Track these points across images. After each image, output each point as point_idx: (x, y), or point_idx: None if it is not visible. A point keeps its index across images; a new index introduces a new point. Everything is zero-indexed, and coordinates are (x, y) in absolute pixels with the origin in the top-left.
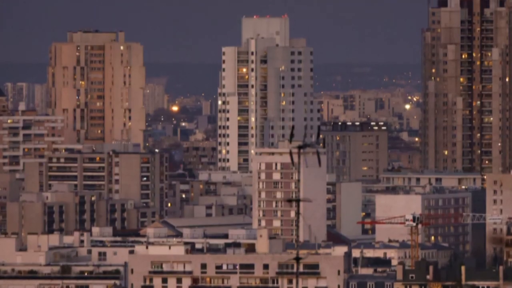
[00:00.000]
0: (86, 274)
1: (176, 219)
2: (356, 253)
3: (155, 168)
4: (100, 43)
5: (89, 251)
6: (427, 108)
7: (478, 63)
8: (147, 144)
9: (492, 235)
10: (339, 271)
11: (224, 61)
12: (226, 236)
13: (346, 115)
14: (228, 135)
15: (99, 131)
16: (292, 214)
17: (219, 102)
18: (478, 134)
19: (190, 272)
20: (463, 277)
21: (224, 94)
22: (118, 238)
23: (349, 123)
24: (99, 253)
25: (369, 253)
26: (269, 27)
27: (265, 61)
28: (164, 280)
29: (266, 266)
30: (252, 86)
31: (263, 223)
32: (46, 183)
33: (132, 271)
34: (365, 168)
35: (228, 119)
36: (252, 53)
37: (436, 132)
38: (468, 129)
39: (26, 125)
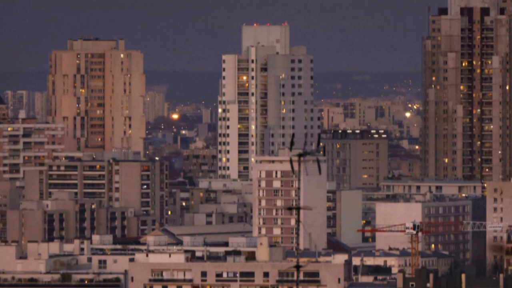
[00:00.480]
0: (86, 282)
1: (176, 227)
2: (356, 261)
3: (155, 176)
4: (101, 51)
5: (89, 259)
6: (428, 116)
7: (478, 71)
8: (147, 152)
9: (492, 243)
10: (339, 279)
11: (224, 69)
12: (226, 244)
13: (347, 123)
14: (228, 143)
15: (99, 139)
16: (293, 222)
17: (219, 110)
18: (479, 142)
19: (190, 280)
20: (463, 285)
21: (224, 102)
22: (118, 246)
23: (349, 131)
24: (99, 261)
25: (370, 261)
26: (270, 35)
27: (266, 69)
28: None
29: (266, 274)
30: (253, 94)
31: (263, 231)
32: (46, 191)
33: (132, 279)
34: (365, 176)
35: (228, 127)
36: (253, 61)
37: (436, 140)
38: (469, 137)
39: (26, 133)
